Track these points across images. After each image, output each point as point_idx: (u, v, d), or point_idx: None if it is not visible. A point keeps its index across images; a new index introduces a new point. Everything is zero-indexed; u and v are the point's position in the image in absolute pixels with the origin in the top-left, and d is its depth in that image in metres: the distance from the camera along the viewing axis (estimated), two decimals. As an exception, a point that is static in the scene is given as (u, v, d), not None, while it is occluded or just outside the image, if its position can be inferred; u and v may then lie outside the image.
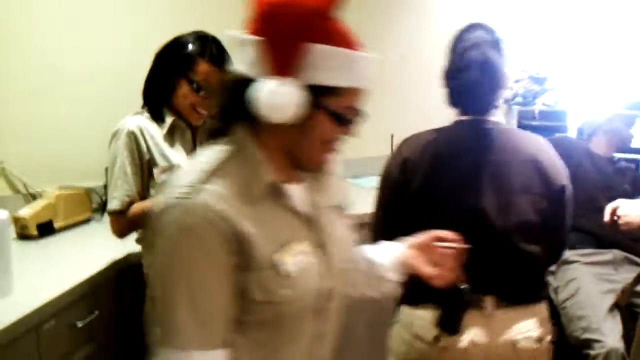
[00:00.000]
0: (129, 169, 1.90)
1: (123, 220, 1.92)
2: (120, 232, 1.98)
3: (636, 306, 2.68)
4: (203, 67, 1.90)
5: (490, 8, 3.96)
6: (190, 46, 1.92)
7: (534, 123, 3.63)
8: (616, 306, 2.58)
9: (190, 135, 2.01)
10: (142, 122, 1.94)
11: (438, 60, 1.86)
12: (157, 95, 1.97)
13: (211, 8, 2.96)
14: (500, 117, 3.88)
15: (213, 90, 1.91)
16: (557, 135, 3.45)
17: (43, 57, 2.57)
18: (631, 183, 2.97)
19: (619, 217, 2.12)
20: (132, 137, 1.91)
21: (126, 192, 1.90)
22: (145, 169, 1.93)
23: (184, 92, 1.92)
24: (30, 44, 2.54)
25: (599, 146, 3.03)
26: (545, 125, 3.61)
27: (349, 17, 1.12)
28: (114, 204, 1.91)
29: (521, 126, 3.61)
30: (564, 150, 3.01)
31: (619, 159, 3.07)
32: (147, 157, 1.92)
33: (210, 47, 1.91)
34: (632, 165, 3.14)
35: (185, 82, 1.91)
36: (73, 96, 2.65)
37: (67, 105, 2.64)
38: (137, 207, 1.91)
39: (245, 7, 1.07)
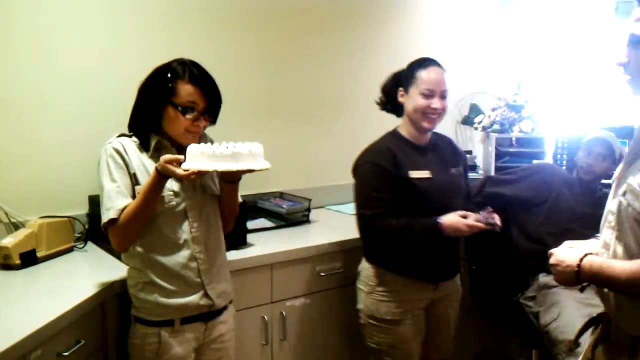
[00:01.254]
0: (120, 182, 1.92)
1: (119, 229, 1.91)
2: (120, 241, 1.95)
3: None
4: (185, 89, 1.92)
5: (469, 38, 4.06)
6: (169, 73, 1.94)
7: (512, 150, 3.70)
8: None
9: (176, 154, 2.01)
10: (127, 143, 1.97)
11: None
12: (145, 125, 1.99)
13: (205, 36, 3.02)
14: (478, 144, 3.95)
15: (200, 110, 1.94)
16: (539, 162, 3.52)
17: (26, 84, 2.57)
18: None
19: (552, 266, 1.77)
20: (118, 153, 1.94)
21: (121, 202, 1.90)
22: (132, 182, 1.95)
23: (172, 118, 1.94)
24: (12, 70, 2.54)
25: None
26: (522, 151, 3.68)
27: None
28: (109, 214, 1.89)
29: (499, 153, 3.68)
30: (544, 179, 3.09)
31: (602, 186, 3.13)
32: (132, 171, 1.95)
33: (189, 69, 1.94)
34: (608, 191, 3.20)
35: (171, 108, 1.93)
36: (56, 124, 2.64)
37: (49, 133, 2.63)
38: (126, 210, 1.89)
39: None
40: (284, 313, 2.60)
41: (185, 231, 1.99)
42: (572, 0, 3.99)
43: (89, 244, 2.59)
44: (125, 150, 1.96)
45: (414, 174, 2.37)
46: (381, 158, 2.38)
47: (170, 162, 1.81)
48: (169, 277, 1.97)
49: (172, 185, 1.96)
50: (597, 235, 1.81)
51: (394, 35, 3.71)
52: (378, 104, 2.57)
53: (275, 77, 3.28)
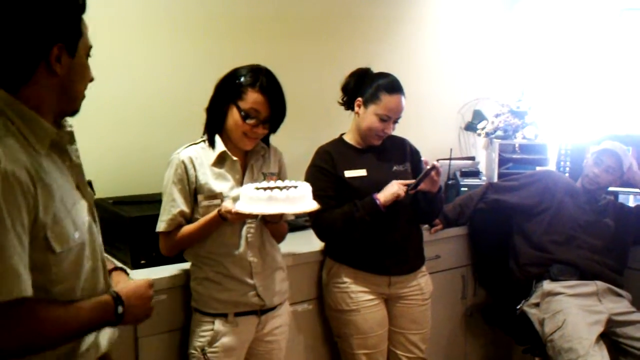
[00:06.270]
0: (177, 196, 2.07)
1: (170, 240, 2.11)
2: (167, 250, 2.15)
3: (617, 335, 2.72)
4: (252, 97, 2.03)
5: (473, 44, 4.05)
6: (242, 77, 2.06)
7: (515, 156, 3.70)
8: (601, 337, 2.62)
9: (240, 165, 2.14)
10: (194, 153, 2.10)
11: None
12: (213, 123, 2.12)
13: (267, 43, 3.09)
14: (481, 150, 3.95)
15: (262, 119, 2.06)
16: (542, 169, 3.51)
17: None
18: (613, 216, 3.02)
19: None
20: (183, 167, 2.08)
21: (173, 215, 2.07)
22: (192, 194, 2.10)
23: (234, 119, 2.06)
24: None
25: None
26: (525, 158, 3.68)
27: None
28: (160, 226, 2.09)
29: (502, 159, 3.68)
30: (547, 186, 3.09)
31: (605, 194, 3.12)
32: (194, 185, 2.09)
33: (261, 78, 2.05)
34: (611, 197, 3.20)
35: (235, 109, 2.05)
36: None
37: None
38: (184, 229, 2.09)
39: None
40: (286, 318, 2.59)
41: (242, 236, 2.13)
42: (576, 7, 3.99)
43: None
44: (192, 162, 2.09)
45: (349, 173, 2.49)
46: (321, 160, 2.53)
47: (228, 212, 1.98)
48: (224, 276, 2.11)
49: (235, 193, 2.08)
50: None
51: (398, 42, 3.70)
52: (341, 104, 2.60)
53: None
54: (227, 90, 2.07)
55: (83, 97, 1.40)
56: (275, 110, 2.07)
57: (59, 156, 1.36)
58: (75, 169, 1.43)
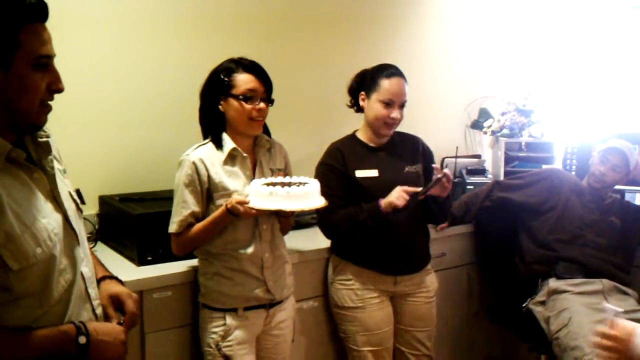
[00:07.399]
0: (188, 197, 2.09)
1: (180, 240, 2.14)
2: (179, 250, 2.18)
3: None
4: (242, 79, 2.08)
5: (479, 42, 4.05)
6: (223, 71, 2.11)
7: (521, 154, 3.69)
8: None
9: (250, 161, 2.17)
10: (204, 154, 2.13)
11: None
12: (214, 126, 2.14)
13: (274, 42, 3.12)
14: (487, 148, 3.94)
15: (260, 95, 2.10)
16: (548, 167, 3.50)
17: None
18: (619, 215, 3.01)
19: None
20: (194, 167, 2.10)
21: (184, 217, 2.10)
22: (205, 195, 2.12)
23: (235, 109, 2.08)
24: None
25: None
26: (532, 156, 3.67)
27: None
28: (172, 227, 2.12)
29: (508, 157, 3.67)
30: (553, 185, 3.09)
31: (612, 193, 3.12)
32: (206, 185, 2.11)
33: (240, 61, 2.11)
34: (617, 196, 3.19)
35: (232, 99, 2.09)
36: (67, 126, 2.63)
37: (59, 135, 2.63)
38: (194, 228, 2.11)
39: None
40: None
41: (255, 232, 2.16)
42: (584, 5, 3.99)
43: (99, 244, 2.59)
44: (203, 162, 2.11)
45: (360, 173, 2.49)
46: (332, 158, 2.54)
47: (240, 203, 2.00)
48: (235, 271, 2.14)
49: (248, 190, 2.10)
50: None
51: (404, 40, 3.70)
52: (349, 106, 2.62)
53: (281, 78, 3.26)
54: (215, 90, 2.11)
55: (40, 110, 1.33)
56: (266, 83, 2.12)
57: (23, 169, 1.32)
58: (51, 181, 1.39)
